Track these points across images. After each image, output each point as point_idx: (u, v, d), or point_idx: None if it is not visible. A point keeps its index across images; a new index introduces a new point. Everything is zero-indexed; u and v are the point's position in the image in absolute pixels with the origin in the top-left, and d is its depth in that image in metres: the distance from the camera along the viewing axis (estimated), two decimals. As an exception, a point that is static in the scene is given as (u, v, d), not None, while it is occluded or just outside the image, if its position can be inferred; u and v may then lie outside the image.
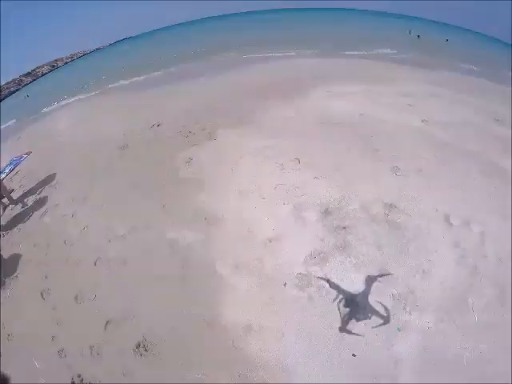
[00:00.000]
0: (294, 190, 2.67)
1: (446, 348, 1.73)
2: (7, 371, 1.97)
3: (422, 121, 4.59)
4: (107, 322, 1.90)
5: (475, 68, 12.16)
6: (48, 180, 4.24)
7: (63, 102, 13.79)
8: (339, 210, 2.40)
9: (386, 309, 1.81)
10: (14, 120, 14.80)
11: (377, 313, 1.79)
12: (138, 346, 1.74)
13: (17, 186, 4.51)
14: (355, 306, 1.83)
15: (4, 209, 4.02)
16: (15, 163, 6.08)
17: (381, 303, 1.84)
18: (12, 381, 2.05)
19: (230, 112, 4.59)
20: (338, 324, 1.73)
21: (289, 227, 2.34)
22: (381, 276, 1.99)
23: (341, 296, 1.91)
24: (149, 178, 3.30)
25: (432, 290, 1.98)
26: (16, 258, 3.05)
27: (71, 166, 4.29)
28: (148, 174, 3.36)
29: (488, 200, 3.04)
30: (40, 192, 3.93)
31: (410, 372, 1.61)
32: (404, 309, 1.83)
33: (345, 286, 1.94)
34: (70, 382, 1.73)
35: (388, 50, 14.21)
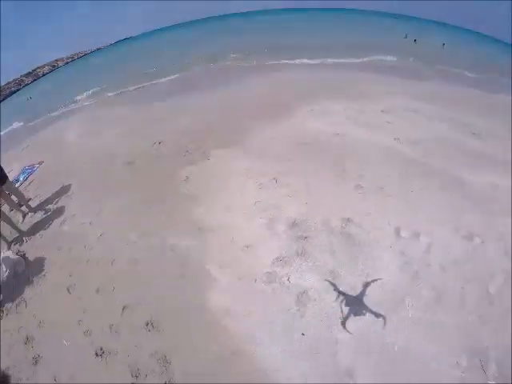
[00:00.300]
0: (269, 206, 3.25)
1: (380, 336, 2.24)
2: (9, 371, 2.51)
3: (395, 139, 4.88)
4: (123, 308, 2.49)
5: (470, 75, 12.31)
6: (63, 191, 4.71)
7: (67, 109, 14.15)
8: (304, 223, 2.96)
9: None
10: (21, 123, 14.96)
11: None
12: (147, 324, 2.34)
13: (32, 195, 4.90)
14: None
15: (24, 216, 4.44)
16: (28, 172, 6.29)
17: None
18: (42, 360, 2.62)
19: (222, 132, 5.11)
20: (295, 310, 2.33)
21: (262, 236, 2.92)
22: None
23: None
24: (153, 192, 3.87)
25: (373, 289, 2.51)
26: (41, 260, 3.59)
27: (84, 179, 4.78)
28: (152, 189, 3.92)
29: (443, 214, 3.36)
30: (57, 202, 4.41)
31: (346, 350, 2.17)
32: (346, 302, 2.41)
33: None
34: (93, 353, 2.32)
35: (382, 57, 14.30)
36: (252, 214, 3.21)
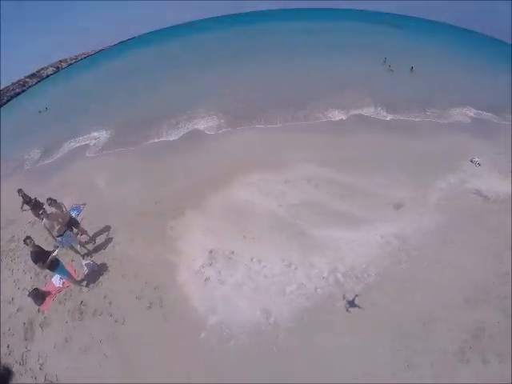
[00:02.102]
0: (204, 243, 7.69)
1: (231, 291, 6.55)
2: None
3: (279, 205, 7.88)
4: (146, 282, 6.96)
5: (410, 118, 13.51)
6: (107, 228, 8.28)
7: (84, 142, 16.39)
8: (214, 252, 7.38)
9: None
10: (44, 149, 16.61)
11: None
12: (155, 287, 6.79)
13: (88, 228, 7.89)
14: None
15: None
16: (78, 210, 9.23)
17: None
18: (113, 304, 7.15)
19: (192, 197, 8.78)
20: (203, 283, 6.88)
21: (198, 256, 7.37)
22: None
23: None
24: (156, 234, 8.21)
25: (231, 277, 6.80)
26: (105, 264, 7.17)
27: (118, 220, 8.80)
28: (156, 232, 8.25)
29: (279, 251, 6.61)
30: (107, 235, 8.22)
31: (220, 295, 6.57)
32: (221, 283, 6.87)
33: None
34: (135, 298, 6.84)
35: (332, 117, 13.94)
36: (197, 247, 7.74)
